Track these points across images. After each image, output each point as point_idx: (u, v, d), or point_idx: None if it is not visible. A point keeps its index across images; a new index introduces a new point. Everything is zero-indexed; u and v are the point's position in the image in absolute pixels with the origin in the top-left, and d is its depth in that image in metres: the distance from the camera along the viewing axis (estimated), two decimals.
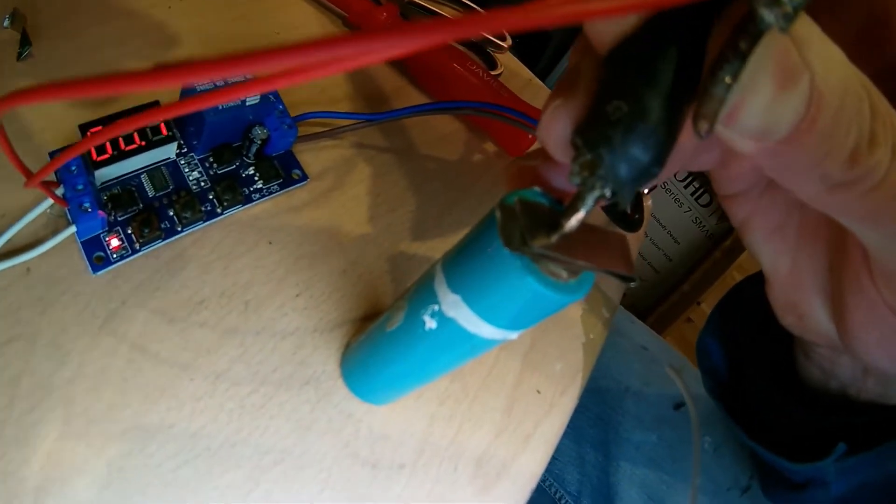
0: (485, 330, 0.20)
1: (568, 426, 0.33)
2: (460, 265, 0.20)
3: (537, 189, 0.19)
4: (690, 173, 0.93)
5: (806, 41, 0.13)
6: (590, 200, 0.16)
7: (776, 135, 0.14)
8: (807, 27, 0.13)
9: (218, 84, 0.27)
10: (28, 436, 0.23)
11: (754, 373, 0.33)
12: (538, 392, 0.33)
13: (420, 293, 0.21)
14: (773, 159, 0.15)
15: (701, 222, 0.95)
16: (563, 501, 0.48)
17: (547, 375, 0.34)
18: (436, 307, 0.20)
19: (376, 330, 0.25)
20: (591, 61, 0.17)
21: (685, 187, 0.96)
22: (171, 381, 0.26)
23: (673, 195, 0.97)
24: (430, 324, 0.21)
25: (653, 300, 1.03)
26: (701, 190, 0.93)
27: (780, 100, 0.13)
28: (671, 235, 0.99)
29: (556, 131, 0.17)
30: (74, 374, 0.25)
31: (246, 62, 0.12)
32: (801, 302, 0.25)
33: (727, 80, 0.13)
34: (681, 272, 0.99)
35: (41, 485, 0.22)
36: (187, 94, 0.29)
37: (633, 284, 0.19)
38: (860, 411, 0.28)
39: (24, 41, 0.31)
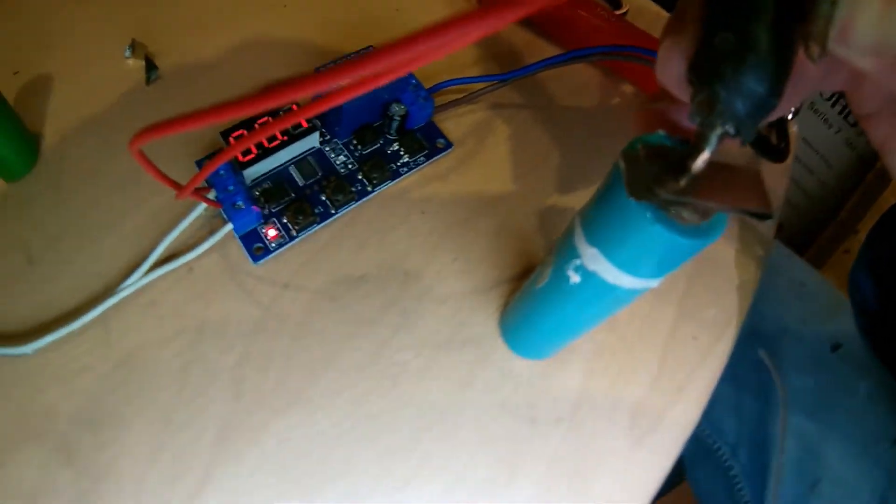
0: (625, 280, 0.20)
1: (727, 372, 0.33)
2: (595, 218, 0.20)
3: (662, 132, 0.18)
4: (836, 91, 0.86)
5: None
6: (713, 139, 0.15)
7: (893, 48, 0.13)
8: None
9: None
10: (200, 416, 0.26)
11: None
12: (694, 339, 0.32)
13: (563, 248, 0.22)
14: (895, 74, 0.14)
15: (852, 143, 0.88)
16: (720, 452, 0.47)
17: (701, 322, 0.33)
18: (577, 261, 0.21)
19: (528, 287, 0.26)
20: None
21: (832, 106, 0.89)
22: (335, 354, 0.28)
23: (822, 115, 0.90)
24: (575, 278, 0.21)
25: (811, 231, 0.97)
26: (849, 109, 0.86)
27: (890, 11, 0.12)
28: (823, 159, 0.92)
29: (671, 70, 0.17)
30: (242, 357, 0.27)
31: (353, 67, 0.12)
32: None
33: None
34: (836, 198, 0.93)
35: (211, 459, 0.25)
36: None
37: (770, 221, 0.19)
38: None
39: (150, 66, 0.34)
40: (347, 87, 0.14)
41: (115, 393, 0.26)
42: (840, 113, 0.88)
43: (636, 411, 0.30)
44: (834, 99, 0.88)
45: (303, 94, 0.13)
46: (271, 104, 0.13)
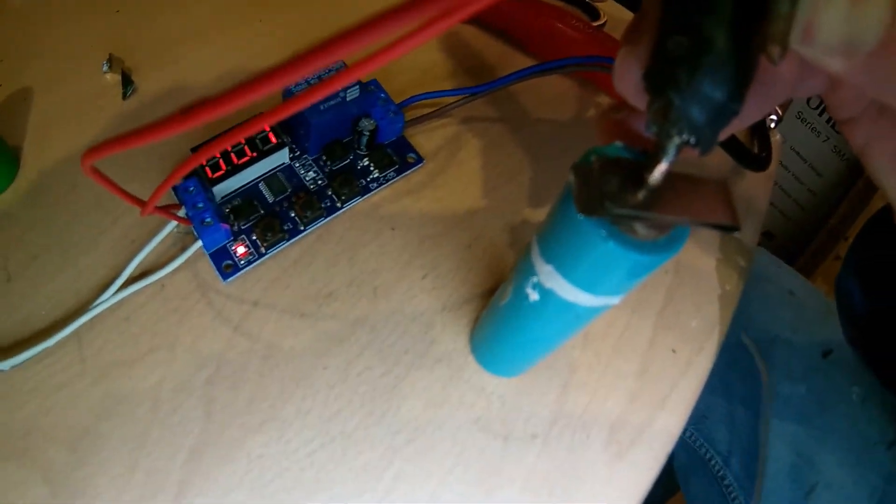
0: (583, 298, 0.19)
1: (718, 383, 0.32)
2: (549, 235, 0.19)
3: (619, 144, 0.17)
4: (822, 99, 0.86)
5: None
6: (671, 149, 0.15)
7: (864, 47, 0.12)
8: None
9: (311, 81, 0.28)
10: (173, 434, 0.26)
11: (893, 311, 0.30)
12: (673, 351, 0.32)
13: (522, 265, 0.21)
14: (868, 74, 0.13)
15: (840, 151, 0.88)
16: (712, 462, 0.46)
17: (682, 333, 0.33)
18: (535, 279, 0.20)
19: (493, 304, 0.26)
20: (654, 0, 0.16)
21: (820, 115, 0.89)
22: (305, 373, 0.27)
23: (809, 124, 0.90)
24: (533, 296, 0.21)
25: (802, 239, 0.97)
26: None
27: (858, 7, 0.12)
28: (812, 167, 0.92)
29: (628, 79, 0.16)
30: (213, 374, 0.27)
31: (303, 63, 0.12)
32: None
33: None
34: (826, 206, 0.93)
35: (185, 478, 0.25)
36: (287, 98, 0.30)
37: (736, 234, 0.18)
38: None
39: (126, 81, 0.34)
40: (308, 91, 0.13)
41: (91, 410, 0.26)
42: (828, 121, 0.88)
43: (615, 426, 0.29)
44: (821, 107, 0.88)
45: (269, 88, 0.12)
46: (230, 105, 0.13)
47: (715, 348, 0.33)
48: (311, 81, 0.29)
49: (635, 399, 0.30)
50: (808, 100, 0.88)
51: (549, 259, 0.19)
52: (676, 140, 0.15)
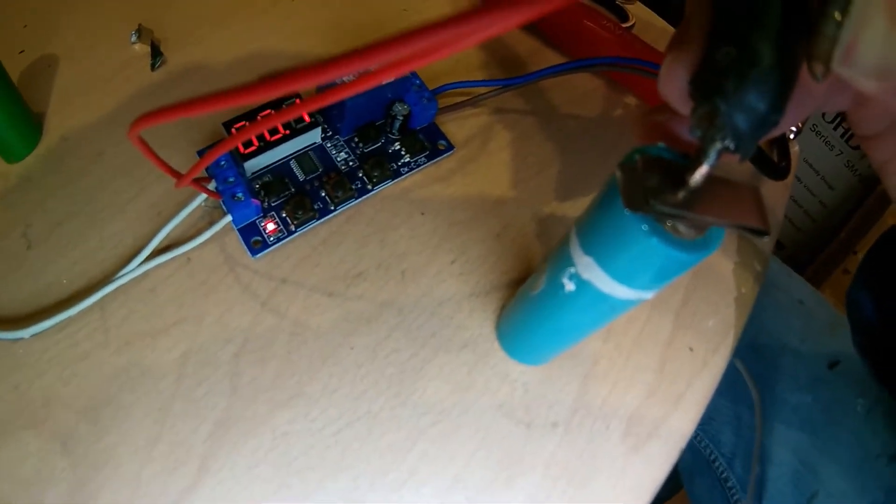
0: (619, 291, 0.19)
1: (725, 385, 0.32)
2: (591, 227, 0.19)
3: (661, 145, 0.18)
4: (838, 114, 0.87)
5: None
6: (712, 154, 0.15)
7: None
8: None
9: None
10: (197, 408, 0.26)
11: None
12: (690, 350, 0.32)
13: (558, 256, 0.22)
14: None
15: (853, 166, 0.88)
16: (716, 463, 0.47)
17: (699, 332, 0.33)
18: (572, 269, 0.20)
19: (523, 294, 0.26)
20: (702, 9, 0.16)
21: (835, 129, 0.89)
22: (332, 351, 0.28)
23: (823, 137, 0.90)
24: (569, 286, 0.21)
25: (811, 250, 0.97)
26: (851, 132, 0.86)
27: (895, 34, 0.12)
28: (824, 180, 0.93)
29: (674, 83, 0.17)
30: (240, 349, 0.27)
31: (353, 61, 0.12)
32: None
33: (836, 16, 0.12)
34: (836, 219, 0.93)
35: (208, 451, 0.25)
36: (325, 86, 0.30)
37: (766, 238, 0.18)
38: None
39: (156, 52, 0.34)
40: (349, 84, 0.14)
41: (114, 381, 0.26)
42: (842, 136, 0.89)
43: (633, 419, 0.29)
44: (836, 121, 0.88)
45: (302, 86, 0.13)
46: (272, 93, 0.13)
47: (730, 349, 0.34)
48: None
49: (653, 394, 0.30)
50: (823, 114, 0.89)
51: (588, 251, 0.20)
52: (719, 145, 0.15)
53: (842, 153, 0.89)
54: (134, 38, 0.35)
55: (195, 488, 0.24)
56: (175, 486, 0.24)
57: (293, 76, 0.13)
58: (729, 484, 0.46)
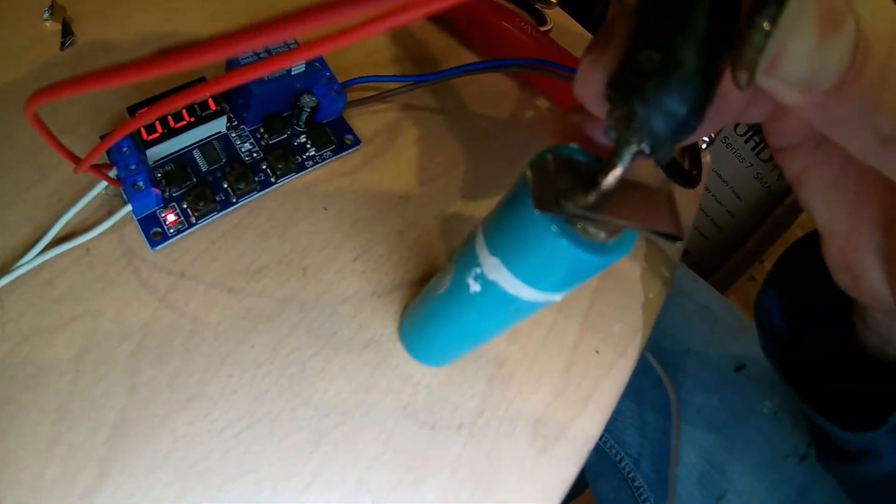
0: (526, 292, 0.19)
1: (629, 387, 0.33)
2: (498, 227, 0.19)
3: (574, 146, 0.18)
4: (750, 128, 0.90)
5: None
6: (627, 156, 0.15)
7: (821, 85, 0.13)
8: None
9: (261, 55, 0.27)
10: (95, 408, 0.24)
11: (813, 334, 0.31)
12: (597, 353, 0.32)
13: (464, 256, 0.21)
14: (821, 111, 0.14)
15: (762, 178, 0.92)
16: (623, 463, 0.47)
17: (606, 336, 0.33)
18: (478, 270, 0.20)
19: (427, 294, 0.25)
20: (626, 11, 0.16)
21: (746, 142, 0.92)
22: (232, 349, 0.26)
23: (734, 150, 0.94)
24: (475, 287, 0.21)
25: (717, 258, 1.01)
26: (762, 145, 0.90)
27: (823, 47, 0.12)
28: (733, 191, 0.96)
29: (591, 85, 0.17)
30: (138, 346, 0.25)
31: (258, 33, 0.11)
32: (856, 262, 0.23)
33: (765, 25, 0.12)
34: (744, 229, 0.97)
35: (107, 455, 0.23)
36: (232, 68, 0.29)
37: (679, 243, 0.18)
38: None
39: (66, 31, 0.32)
40: (257, 63, 0.13)
41: (12, 378, 0.24)
42: (753, 149, 0.92)
43: (539, 421, 0.29)
44: (748, 134, 0.92)
45: (203, 60, 0.12)
46: (171, 67, 0.12)
47: (637, 353, 0.34)
48: (261, 55, 0.28)
49: (559, 396, 0.30)
50: (736, 126, 0.92)
51: (495, 251, 0.19)
52: (634, 148, 0.15)
53: (752, 165, 0.93)
54: (46, 15, 0.33)
55: (97, 492, 0.23)
56: (77, 489, 0.23)
57: (193, 50, 0.12)
58: (636, 484, 0.47)
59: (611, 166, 0.15)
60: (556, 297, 0.20)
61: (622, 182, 0.16)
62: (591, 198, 0.16)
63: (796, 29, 0.12)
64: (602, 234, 0.17)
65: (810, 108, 0.14)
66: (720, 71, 0.14)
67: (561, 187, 0.16)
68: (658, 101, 0.14)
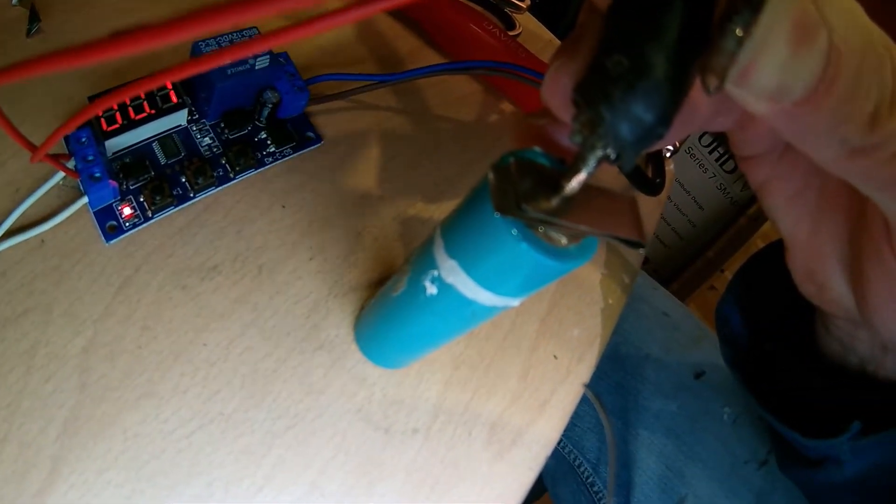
0: (483, 296, 0.19)
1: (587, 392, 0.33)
2: (457, 230, 0.19)
3: (537, 149, 0.18)
4: (715, 139, 0.92)
5: None
6: (591, 161, 0.15)
7: (792, 96, 0.13)
8: None
9: (223, 44, 0.27)
10: (45, 405, 0.23)
11: (774, 342, 0.32)
12: (555, 358, 0.32)
13: (421, 258, 0.21)
14: (790, 122, 0.14)
15: (725, 188, 0.94)
16: (581, 468, 0.48)
17: (564, 341, 0.33)
18: (435, 272, 0.20)
19: (383, 295, 0.25)
20: (595, 16, 0.16)
21: (710, 153, 0.94)
22: (184, 347, 0.26)
23: (697, 160, 0.95)
24: (431, 289, 0.20)
25: (676, 266, 1.02)
26: (726, 156, 0.91)
27: (796, 59, 0.12)
28: (695, 201, 0.98)
29: (558, 89, 0.16)
30: (89, 342, 0.25)
31: (220, 14, 0.11)
32: (819, 271, 0.24)
33: (738, 32, 0.12)
34: (705, 238, 0.98)
35: (58, 454, 0.23)
36: (195, 56, 0.29)
37: (641, 250, 0.18)
38: (878, 389, 0.28)
39: (33, 17, 0.31)
40: (218, 52, 0.13)
41: None
42: (717, 160, 0.94)
43: (496, 425, 0.29)
44: (712, 145, 0.93)
45: (159, 41, 0.11)
46: (125, 50, 0.12)
47: (595, 358, 0.34)
48: (223, 44, 0.28)
49: (516, 401, 0.30)
50: (700, 137, 0.93)
51: (453, 254, 0.19)
52: (599, 153, 0.15)
53: (714, 176, 0.94)
54: (15, 1, 0.32)
55: (47, 493, 0.22)
56: (27, 490, 0.22)
57: (149, 31, 0.11)
58: (595, 488, 0.47)
59: (574, 171, 0.15)
60: (515, 302, 0.19)
61: (585, 187, 0.16)
62: (554, 202, 0.16)
63: (770, 42, 0.12)
64: (563, 240, 0.17)
65: (779, 118, 0.14)
66: (689, 79, 0.14)
67: (522, 190, 0.16)
68: (625, 106, 0.14)
